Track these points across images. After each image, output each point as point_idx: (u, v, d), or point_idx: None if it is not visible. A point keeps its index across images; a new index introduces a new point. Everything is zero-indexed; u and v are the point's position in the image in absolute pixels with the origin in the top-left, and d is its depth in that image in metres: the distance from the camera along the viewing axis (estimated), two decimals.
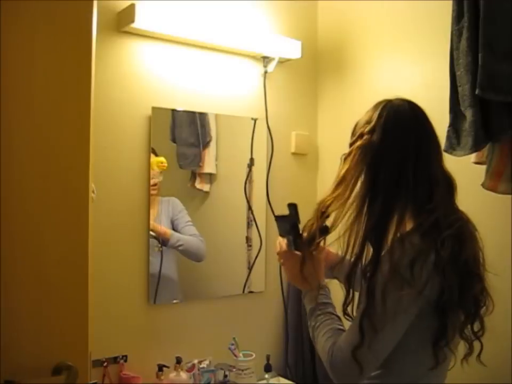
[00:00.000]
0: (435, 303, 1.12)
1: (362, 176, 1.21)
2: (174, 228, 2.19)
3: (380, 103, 1.25)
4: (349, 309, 1.21)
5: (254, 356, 2.17)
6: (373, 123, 1.21)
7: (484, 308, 1.21)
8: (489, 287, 1.23)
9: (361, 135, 1.22)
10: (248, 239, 2.36)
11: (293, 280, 1.33)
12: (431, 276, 1.10)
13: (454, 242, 1.12)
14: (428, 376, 1.18)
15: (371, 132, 1.20)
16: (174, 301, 2.17)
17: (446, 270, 1.10)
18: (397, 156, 1.18)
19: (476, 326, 1.19)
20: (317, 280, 1.27)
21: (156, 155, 2.10)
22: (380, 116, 1.21)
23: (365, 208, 1.18)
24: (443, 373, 1.24)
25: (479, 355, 1.19)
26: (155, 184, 2.13)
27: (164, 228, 2.16)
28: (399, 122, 1.20)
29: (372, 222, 1.17)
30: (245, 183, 2.36)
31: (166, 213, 2.18)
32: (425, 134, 1.22)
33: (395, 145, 1.18)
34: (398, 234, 1.13)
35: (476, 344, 1.24)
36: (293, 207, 1.29)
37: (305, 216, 1.30)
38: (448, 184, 1.24)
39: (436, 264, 1.10)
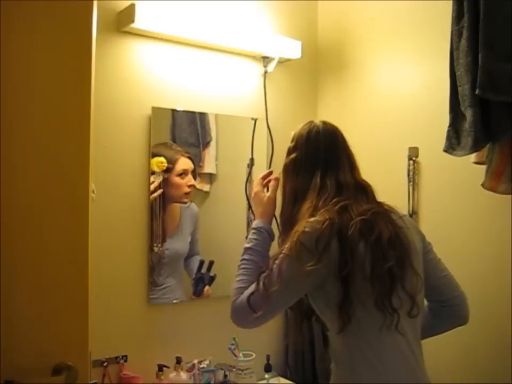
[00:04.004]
0: (338, 274, 1.25)
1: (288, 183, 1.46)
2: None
3: (303, 123, 1.49)
4: None
5: (254, 356, 2.17)
6: (294, 142, 1.48)
7: (412, 287, 1.29)
8: (417, 267, 1.33)
9: (288, 152, 1.48)
10: None
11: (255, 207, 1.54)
12: (334, 252, 1.25)
13: (362, 224, 1.27)
14: (337, 341, 1.32)
15: (293, 148, 1.47)
16: (174, 301, 2.17)
17: (352, 248, 1.25)
18: (308, 165, 1.42)
19: (397, 301, 1.26)
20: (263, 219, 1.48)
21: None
22: (299, 134, 1.47)
23: (285, 206, 1.44)
24: (352, 339, 1.29)
25: (396, 325, 1.26)
26: (188, 193, 2.16)
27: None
28: (311, 139, 1.44)
29: (284, 217, 1.44)
30: (245, 183, 2.35)
31: (189, 223, 2.20)
32: (335, 148, 1.43)
33: (307, 157, 1.43)
34: (304, 219, 1.31)
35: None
36: None
37: None
38: (361, 189, 1.39)
39: (340, 242, 1.25)
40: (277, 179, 1.50)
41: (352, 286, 1.25)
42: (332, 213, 1.28)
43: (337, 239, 1.25)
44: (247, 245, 1.42)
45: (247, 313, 1.30)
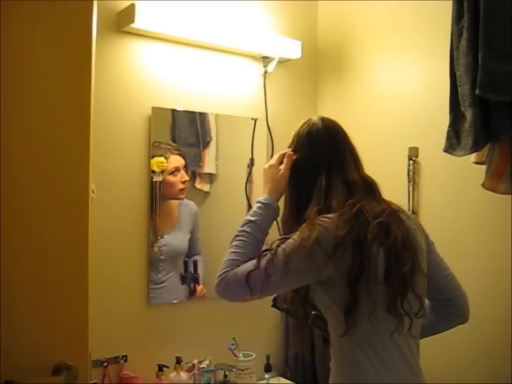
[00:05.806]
0: (347, 277, 1.23)
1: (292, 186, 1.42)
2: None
3: (301, 122, 1.45)
4: None
5: (254, 356, 2.17)
6: (293, 143, 1.44)
7: (420, 288, 1.29)
8: (421, 268, 1.31)
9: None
10: None
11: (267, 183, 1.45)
12: (348, 255, 1.22)
13: (379, 228, 1.24)
14: (342, 342, 1.28)
15: (293, 150, 1.43)
16: (174, 301, 2.17)
17: (368, 253, 1.22)
18: (311, 168, 1.37)
19: (407, 304, 1.25)
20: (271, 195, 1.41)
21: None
22: (297, 134, 1.44)
23: (288, 210, 1.40)
24: (360, 342, 1.27)
25: (409, 329, 1.26)
26: (182, 189, 2.16)
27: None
28: (311, 140, 1.40)
29: (288, 222, 1.39)
30: (245, 183, 2.35)
31: (187, 221, 2.20)
32: (337, 146, 1.39)
33: (309, 159, 1.39)
34: (316, 216, 1.27)
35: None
36: None
37: None
38: (368, 186, 1.36)
39: (357, 247, 1.22)
40: (291, 156, 1.42)
41: (362, 290, 1.22)
42: (349, 216, 1.24)
43: (353, 244, 1.22)
44: (251, 218, 1.36)
45: (242, 290, 1.25)
